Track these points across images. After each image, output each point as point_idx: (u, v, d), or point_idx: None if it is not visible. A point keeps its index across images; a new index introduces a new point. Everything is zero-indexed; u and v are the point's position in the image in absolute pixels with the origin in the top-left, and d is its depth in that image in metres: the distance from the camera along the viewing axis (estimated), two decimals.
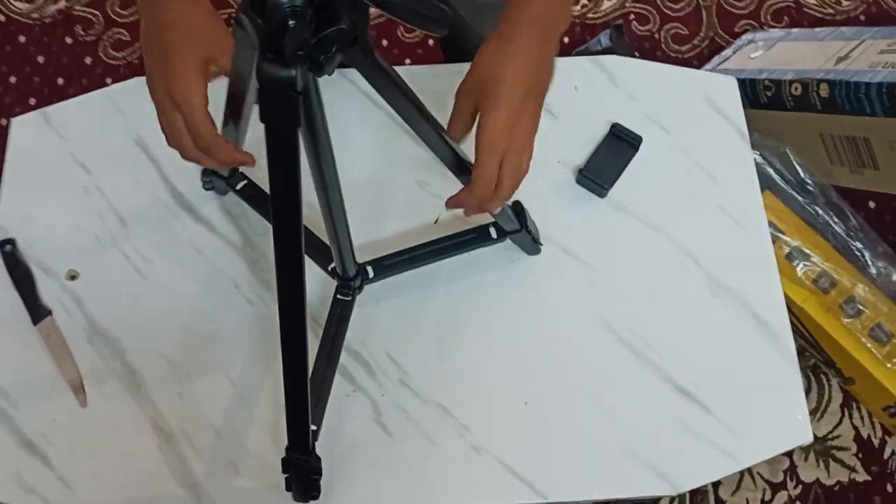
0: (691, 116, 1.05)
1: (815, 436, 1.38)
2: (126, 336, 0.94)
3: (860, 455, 1.38)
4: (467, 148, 0.75)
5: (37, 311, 0.94)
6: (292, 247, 0.63)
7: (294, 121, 0.55)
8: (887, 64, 1.23)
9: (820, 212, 1.40)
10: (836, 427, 1.41)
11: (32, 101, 1.63)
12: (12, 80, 1.65)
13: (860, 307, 1.33)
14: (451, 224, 0.98)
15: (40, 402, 0.91)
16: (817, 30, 1.50)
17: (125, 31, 1.70)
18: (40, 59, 1.66)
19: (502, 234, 0.92)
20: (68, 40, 1.68)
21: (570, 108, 1.05)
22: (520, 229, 0.91)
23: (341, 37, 0.54)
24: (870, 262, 1.38)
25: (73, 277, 0.97)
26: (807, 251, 1.35)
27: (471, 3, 1.12)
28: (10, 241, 0.98)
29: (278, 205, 0.59)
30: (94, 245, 0.98)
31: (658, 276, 0.97)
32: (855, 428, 1.40)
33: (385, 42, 1.71)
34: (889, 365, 1.29)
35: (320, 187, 0.70)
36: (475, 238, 0.93)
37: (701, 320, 0.95)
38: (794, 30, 1.56)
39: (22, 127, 1.05)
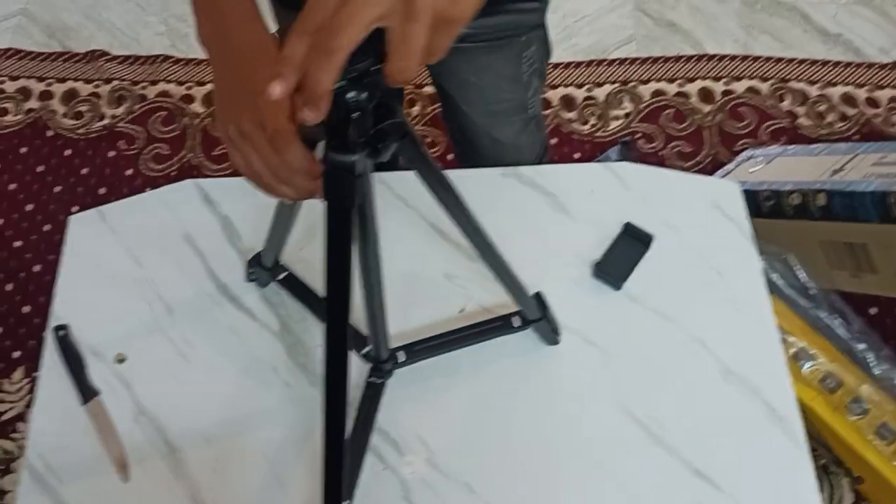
0: (699, 218, 1.13)
1: None
2: (169, 416, 0.99)
3: None
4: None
5: (86, 392, 1.00)
6: (341, 320, 0.70)
7: (352, 200, 0.63)
8: (879, 175, 1.32)
9: (823, 316, 1.46)
10: None
11: (75, 208, 1.73)
12: (56, 189, 1.76)
13: (866, 406, 1.37)
14: (475, 315, 1.05)
15: (86, 478, 0.96)
16: (813, 146, 1.61)
17: (166, 145, 1.82)
18: (84, 171, 1.78)
19: (525, 323, 0.99)
20: (111, 154, 1.80)
21: (586, 209, 1.14)
22: (541, 318, 0.97)
23: (395, 129, 0.62)
24: (873, 364, 1.43)
25: (121, 361, 1.03)
26: (812, 352, 1.41)
27: (484, 108, 1.23)
28: (64, 327, 1.05)
29: (333, 275, 0.67)
30: (142, 331, 1.05)
31: (671, 363, 1.03)
32: None
33: None
34: (895, 463, 1.32)
35: (364, 269, 0.77)
36: (499, 326, 1.00)
37: (713, 405, 1.00)
38: (791, 146, 1.67)
39: (79, 223, 1.13)
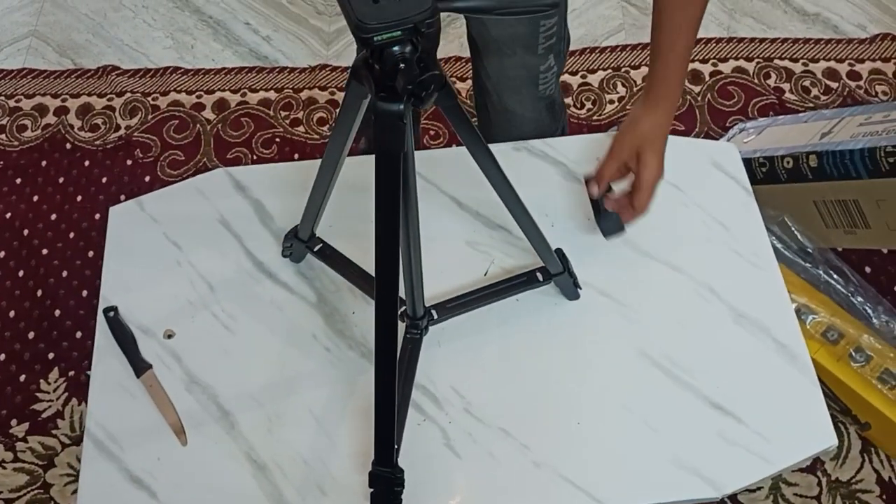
0: (701, 177, 1.21)
1: (839, 480, 1.48)
2: (219, 383, 1.06)
3: (884, 496, 1.47)
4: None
5: (139, 366, 1.07)
6: (391, 265, 0.77)
7: (401, 144, 0.70)
8: (866, 133, 1.40)
9: (822, 273, 1.54)
10: (857, 472, 1.49)
11: (97, 216, 1.79)
12: (78, 198, 1.83)
13: (869, 354, 1.45)
14: (499, 276, 1.12)
15: (146, 444, 1.02)
16: (801, 115, 1.69)
17: (180, 151, 1.89)
18: (104, 180, 1.85)
19: (548, 278, 1.06)
20: (129, 162, 1.87)
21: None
22: (563, 271, 1.05)
23: (436, 80, 0.70)
24: (872, 315, 1.51)
25: (169, 336, 1.10)
26: (814, 307, 1.49)
27: (498, 70, 1.29)
28: (113, 308, 1.11)
29: (383, 215, 0.74)
30: (187, 308, 1.12)
31: (685, 309, 1.10)
32: (876, 471, 1.49)
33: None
34: None
35: (403, 220, 0.84)
36: (525, 281, 1.07)
37: (726, 345, 1.07)
38: (781, 117, 1.75)
39: (119, 214, 1.20)
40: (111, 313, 1.11)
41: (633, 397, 1.04)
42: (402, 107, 0.69)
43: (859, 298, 1.52)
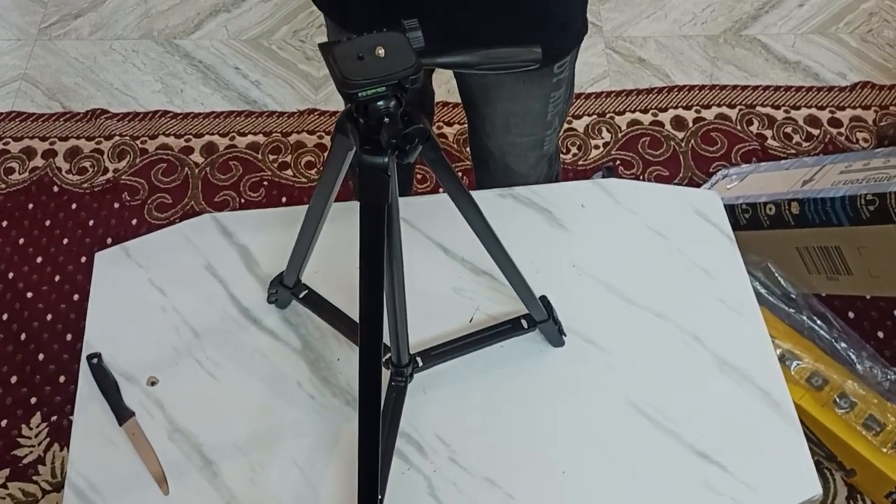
0: (684, 225, 1.22)
1: None
2: (202, 432, 1.05)
3: None
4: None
5: (121, 414, 1.06)
6: (375, 314, 0.78)
7: (386, 197, 0.71)
8: (847, 181, 1.42)
9: (805, 319, 1.55)
10: None
11: (83, 259, 1.79)
12: (64, 241, 1.83)
13: (853, 400, 1.45)
14: (484, 323, 1.12)
15: (127, 493, 1.01)
16: (783, 162, 1.71)
17: (168, 195, 1.89)
18: (91, 223, 1.85)
19: (532, 325, 1.07)
20: (116, 205, 1.87)
21: (579, 222, 1.22)
22: (548, 319, 1.05)
23: (420, 133, 0.70)
24: (856, 361, 1.52)
25: (153, 383, 1.09)
26: (798, 353, 1.49)
27: (505, 137, 1.30)
28: (97, 355, 1.11)
29: (367, 265, 0.74)
30: (171, 355, 1.11)
31: (670, 357, 1.10)
32: None
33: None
34: (885, 450, 1.40)
35: (388, 267, 0.84)
36: (510, 329, 1.07)
37: (711, 393, 1.08)
38: (763, 163, 1.77)
39: (104, 259, 1.20)
40: (95, 360, 1.10)
41: (618, 446, 1.03)
42: (385, 160, 0.69)
43: (843, 344, 1.53)
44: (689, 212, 1.24)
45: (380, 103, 0.67)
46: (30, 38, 2.20)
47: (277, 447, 1.04)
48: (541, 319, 1.05)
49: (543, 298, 1.06)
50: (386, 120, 0.68)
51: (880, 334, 1.70)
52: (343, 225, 1.18)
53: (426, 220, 1.23)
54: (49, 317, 1.72)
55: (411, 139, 0.70)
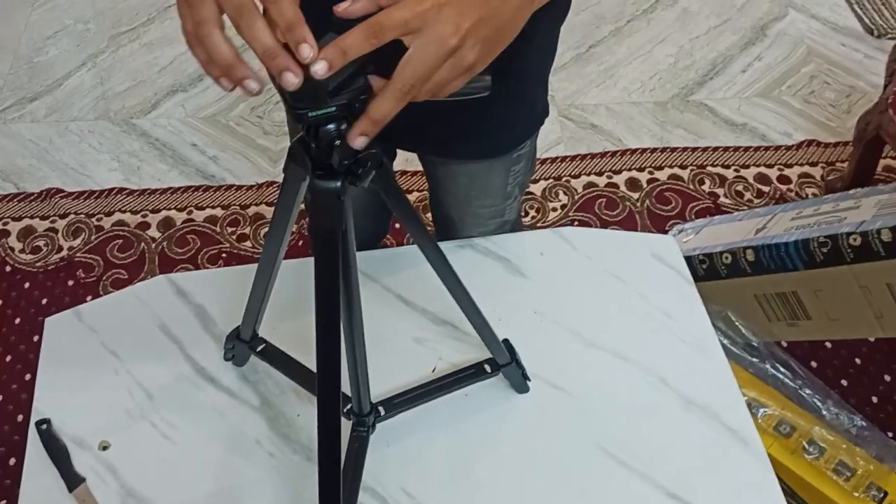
0: (642, 268, 1.23)
1: None
2: (158, 496, 1.01)
3: None
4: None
5: (72, 480, 1.01)
6: (332, 353, 0.76)
7: (340, 222, 0.70)
8: (799, 227, 1.45)
9: (769, 368, 1.55)
10: None
11: (35, 338, 1.74)
12: (17, 321, 1.78)
13: (822, 446, 1.44)
14: (447, 372, 1.10)
15: None
16: (735, 214, 1.74)
17: (124, 271, 1.86)
18: (43, 301, 1.81)
19: (496, 368, 1.05)
20: (70, 283, 1.84)
21: (538, 270, 1.22)
22: (511, 362, 1.04)
23: (373, 158, 0.71)
24: (822, 408, 1.51)
25: (104, 448, 1.05)
26: (764, 401, 1.49)
27: (465, 208, 1.30)
28: (46, 421, 1.07)
29: (322, 295, 0.73)
30: (124, 419, 1.07)
31: (635, 399, 1.09)
32: None
33: None
34: (857, 494, 1.38)
35: (346, 308, 0.83)
36: (473, 374, 1.05)
37: (680, 433, 1.06)
38: (717, 217, 1.80)
39: (55, 324, 1.17)
40: (43, 426, 1.06)
41: (590, 490, 1.01)
42: (338, 184, 0.69)
43: (808, 391, 1.53)
44: (646, 256, 1.25)
45: (330, 126, 0.67)
46: None
47: None
48: (504, 363, 1.04)
49: (506, 342, 1.04)
50: (337, 143, 0.68)
51: (844, 382, 1.70)
52: (300, 282, 1.17)
53: (384, 272, 1.22)
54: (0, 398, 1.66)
55: (364, 163, 0.70)
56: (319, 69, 0.60)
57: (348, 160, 0.69)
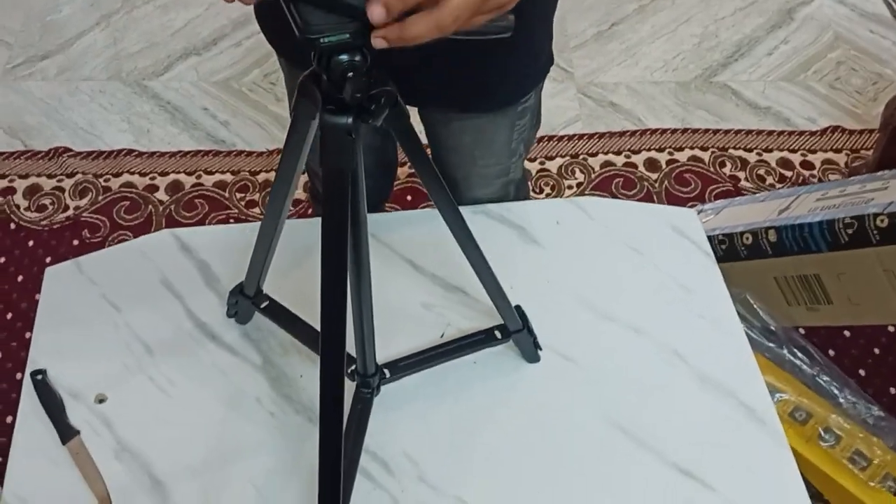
0: (660, 241, 1.19)
1: None
2: (152, 452, 0.98)
3: None
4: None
5: (65, 432, 0.98)
6: (338, 301, 0.72)
7: (350, 161, 0.67)
8: (823, 207, 1.40)
9: (786, 353, 1.51)
10: None
11: (37, 297, 1.71)
12: (19, 279, 1.75)
13: (838, 434, 1.40)
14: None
15: None
16: (758, 195, 1.70)
17: (130, 232, 1.83)
18: (48, 260, 1.78)
19: (507, 335, 1.01)
20: (75, 242, 1.81)
21: (553, 239, 1.18)
22: (522, 328, 1.00)
23: (387, 95, 0.67)
24: (839, 395, 1.47)
25: (101, 401, 1.02)
26: (780, 386, 1.44)
27: (469, 168, 1.26)
28: (41, 371, 1.04)
29: (330, 240, 0.69)
30: (122, 372, 1.04)
31: (649, 373, 1.05)
32: None
33: None
34: (873, 484, 1.34)
35: (354, 263, 0.79)
36: (483, 339, 1.02)
37: (694, 410, 1.02)
38: (738, 198, 1.75)
39: (55, 275, 1.14)
40: (39, 376, 1.03)
41: (598, 464, 0.97)
42: (350, 120, 0.65)
43: (825, 378, 1.48)
44: (666, 229, 1.21)
45: (343, 56, 0.63)
46: None
47: (233, 468, 0.97)
48: (516, 329, 1.00)
49: (518, 308, 1.01)
50: (350, 74, 0.64)
51: (861, 372, 1.66)
52: (307, 242, 1.13)
53: (394, 236, 1.18)
54: None
55: (377, 99, 0.66)
56: (376, 14, 0.58)
57: (361, 94, 0.65)
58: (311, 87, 0.67)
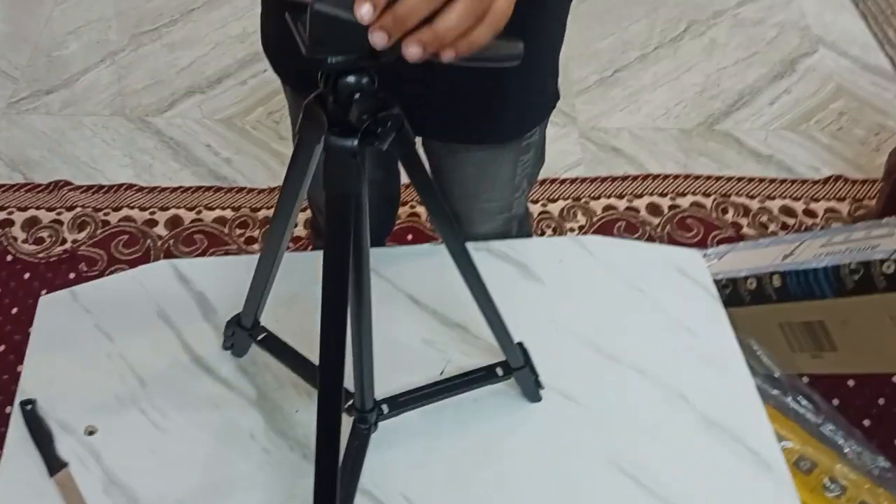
0: (664, 281, 1.17)
1: None
2: (142, 486, 0.95)
3: None
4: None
5: (53, 464, 0.96)
6: (337, 326, 0.71)
7: (355, 185, 0.65)
8: (829, 253, 1.39)
9: (790, 401, 1.48)
10: None
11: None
12: (13, 311, 1.73)
13: (843, 484, 1.37)
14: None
15: None
16: (761, 240, 1.69)
17: (127, 266, 1.82)
18: (43, 293, 1.76)
19: (508, 372, 0.99)
20: (72, 276, 1.79)
21: (556, 277, 1.17)
22: (524, 366, 0.98)
23: (394, 119, 0.66)
24: (844, 445, 1.44)
25: (91, 433, 0.99)
26: (784, 434, 1.42)
27: (471, 203, 1.25)
28: (31, 402, 1.01)
29: (331, 268, 0.68)
30: (114, 404, 1.02)
31: (653, 416, 1.03)
32: None
33: None
34: None
35: (355, 284, 0.78)
36: (483, 376, 1.00)
37: (698, 454, 1.00)
38: (741, 243, 1.74)
39: (49, 304, 1.12)
40: (28, 406, 1.01)
41: None
42: (355, 142, 0.64)
43: (830, 427, 1.45)
44: (670, 270, 1.19)
45: (350, 78, 0.63)
46: None
47: (225, 503, 0.94)
48: (517, 366, 0.98)
49: (520, 345, 0.99)
50: (357, 96, 0.63)
51: (866, 422, 1.63)
52: (307, 275, 1.11)
53: (396, 271, 1.17)
54: None
55: (384, 122, 0.65)
56: (378, 39, 0.56)
57: (367, 116, 0.64)
58: (316, 110, 0.66)
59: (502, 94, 1.04)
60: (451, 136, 1.11)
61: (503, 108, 1.06)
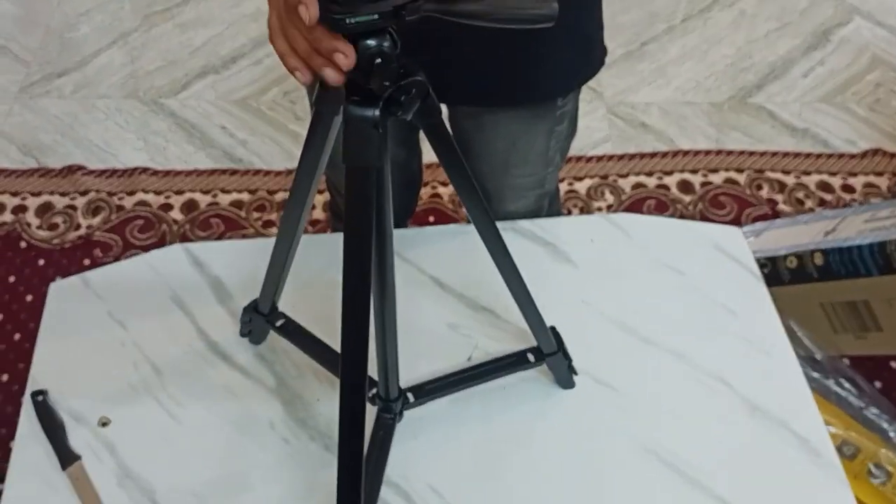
0: (703, 262, 1.11)
1: None
2: (157, 477, 0.91)
3: None
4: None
5: (66, 457, 0.92)
6: (361, 306, 0.66)
7: (376, 157, 0.60)
8: (873, 229, 1.32)
9: (832, 384, 1.42)
10: None
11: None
12: (28, 298, 1.70)
13: (889, 470, 1.31)
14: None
15: None
16: (800, 216, 1.62)
17: (142, 251, 1.77)
18: (57, 279, 1.72)
19: (540, 358, 0.94)
20: (86, 262, 1.76)
21: (588, 258, 1.11)
22: (557, 351, 0.92)
23: (419, 86, 0.60)
24: (889, 429, 1.38)
25: (104, 424, 0.95)
26: (826, 419, 1.35)
27: (503, 179, 1.19)
28: (42, 392, 0.97)
29: (352, 247, 0.62)
30: (127, 394, 0.98)
31: (693, 401, 0.98)
32: None
33: None
34: None
35: (378, 264, 0.72)
36: (514, 362, 0.95)
37: (743, 440, 0.94)
38: (779, 220, 1.68)
39: (59, 290, 1.08)
40: (40, 397, 0.97)
41: (637, 498, 0.89)
42: (377, 112, 0.59)
43: (874, 411, 1.39)
44: (707, 248, 1.13)
45: (371, 41, 0.57)
46: (9, 97, 2.12)
47: (243, 496, 0.89)
48: (550, 352, 0.92)
49: (553, 329, 0.93)
50: (378, 61, 0.57)
51: None
52: (326, 258, 1.06)
53: (419, 253, 1.11)
54: (5, 377, 1.58)
55: (408, 90, 0.60)
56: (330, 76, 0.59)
57: (390, 83, 0.59)
58: None
59: (539, 50, 0.96)
60: (480, 100, 1.03)
61: (539, 65, 0.99)
